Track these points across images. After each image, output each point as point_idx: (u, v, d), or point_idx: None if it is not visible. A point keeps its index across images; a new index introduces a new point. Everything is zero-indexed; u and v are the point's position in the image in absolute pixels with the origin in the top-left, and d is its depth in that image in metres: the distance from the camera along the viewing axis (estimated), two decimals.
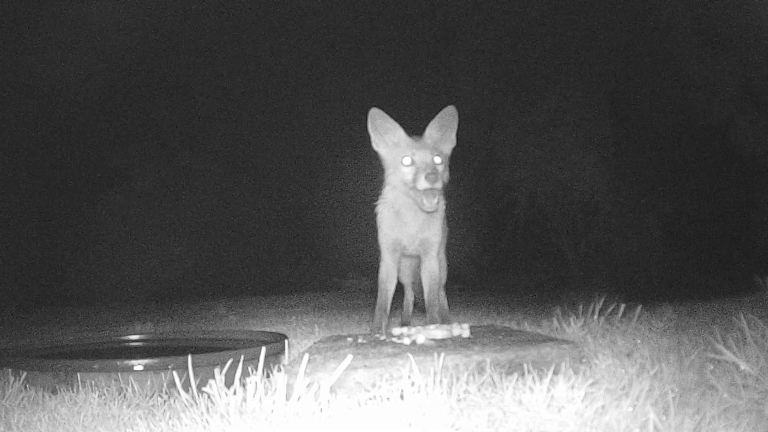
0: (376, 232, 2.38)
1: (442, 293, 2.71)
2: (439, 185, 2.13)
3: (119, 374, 1.93)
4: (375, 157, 2.35)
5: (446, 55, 10.62)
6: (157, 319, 5.03)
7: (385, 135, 2.25)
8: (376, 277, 2.44)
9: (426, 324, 2.33)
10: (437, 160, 2.17)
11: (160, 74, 11.47)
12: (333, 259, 11.75)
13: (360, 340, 2.05)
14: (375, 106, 2.24)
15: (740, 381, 1.42)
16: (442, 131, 2.23)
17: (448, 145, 2.26)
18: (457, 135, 2.31)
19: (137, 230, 11.72)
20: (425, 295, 2.53)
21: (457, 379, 1.44)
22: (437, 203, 2.16)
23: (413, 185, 2.15)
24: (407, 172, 2.17)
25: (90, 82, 10.21)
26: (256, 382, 1.32)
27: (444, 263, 2.73)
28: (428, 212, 2.19)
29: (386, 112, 2.26)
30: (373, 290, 2.55)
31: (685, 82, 8.66)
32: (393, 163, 2.23)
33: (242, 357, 1.59)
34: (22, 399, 1.87)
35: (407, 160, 2.17)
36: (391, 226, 2.31)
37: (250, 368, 1.49)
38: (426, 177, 2.08)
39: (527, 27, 9.66)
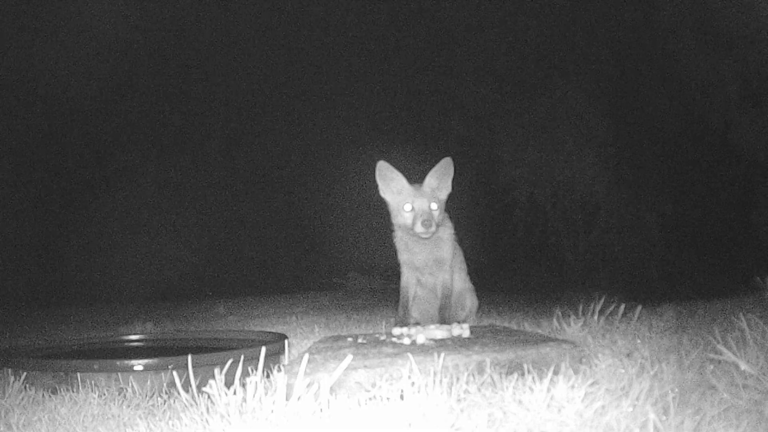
0: (396, 252, 2.69)
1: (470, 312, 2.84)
2: (432, 229, 2.45)
3: (119, 374, 1.93)
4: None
5: (446, 55, 10.62)
6: (157, 319, 5.02)
7: (390, 183, 2.54)
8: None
9: (427, 324, 2.34)
10: (434, 206, 2.49)
11: (160, 74, 11.48)
12: (333, 259, 11.74)
13: (360, 340, 2.05)
14: (382, 159, 2.54)
15: (740, 381, 1.42)
16: (440, 180, 2.54)
17: (445, 192, 2.57)
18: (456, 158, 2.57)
19: (137, 230, 11.71)
20: (439, 301, 2.63)
21: (457, 379, 1.44)
22: (432, 231, 2.47)
23: (412, 228, 2.49)
24: (408, 217, 2.50)
25: (90, 82, 10.21)
26: (256, 382, 1.32)
27: (470, 287, 2.84)
28: (424, 238, 2.51)
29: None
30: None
31: (685, 82, 8.66)
32: (396, 208, 2.55)
33: (242, 357, 1.59)
34: (22, 399, 1.87)
35: (408, 207, 2.50)
36: (404, 251, 2.65)
37: (250, 368, 1.49)
38: (422, 222, 2.43)
39: (527, 27, 9.66)
